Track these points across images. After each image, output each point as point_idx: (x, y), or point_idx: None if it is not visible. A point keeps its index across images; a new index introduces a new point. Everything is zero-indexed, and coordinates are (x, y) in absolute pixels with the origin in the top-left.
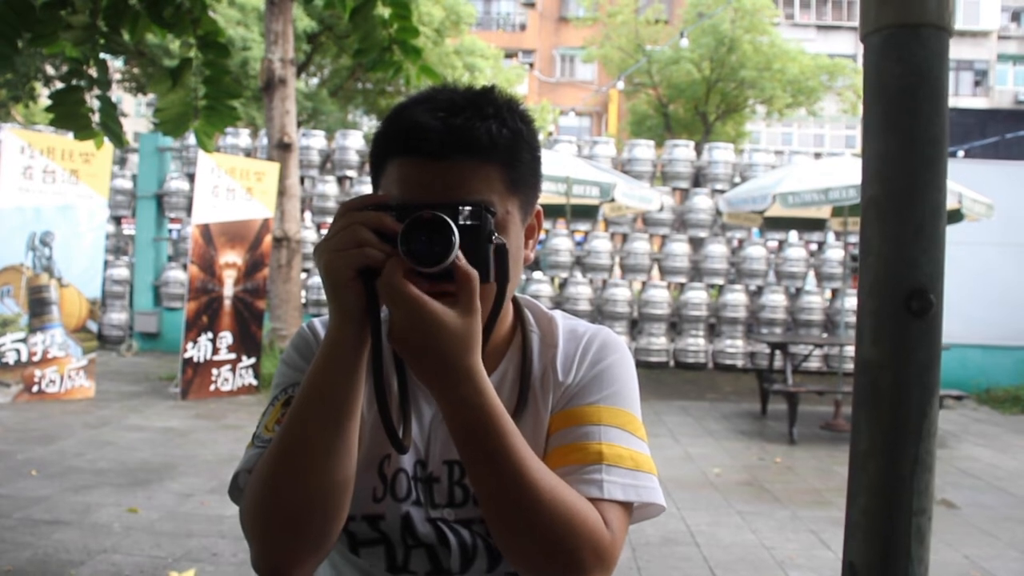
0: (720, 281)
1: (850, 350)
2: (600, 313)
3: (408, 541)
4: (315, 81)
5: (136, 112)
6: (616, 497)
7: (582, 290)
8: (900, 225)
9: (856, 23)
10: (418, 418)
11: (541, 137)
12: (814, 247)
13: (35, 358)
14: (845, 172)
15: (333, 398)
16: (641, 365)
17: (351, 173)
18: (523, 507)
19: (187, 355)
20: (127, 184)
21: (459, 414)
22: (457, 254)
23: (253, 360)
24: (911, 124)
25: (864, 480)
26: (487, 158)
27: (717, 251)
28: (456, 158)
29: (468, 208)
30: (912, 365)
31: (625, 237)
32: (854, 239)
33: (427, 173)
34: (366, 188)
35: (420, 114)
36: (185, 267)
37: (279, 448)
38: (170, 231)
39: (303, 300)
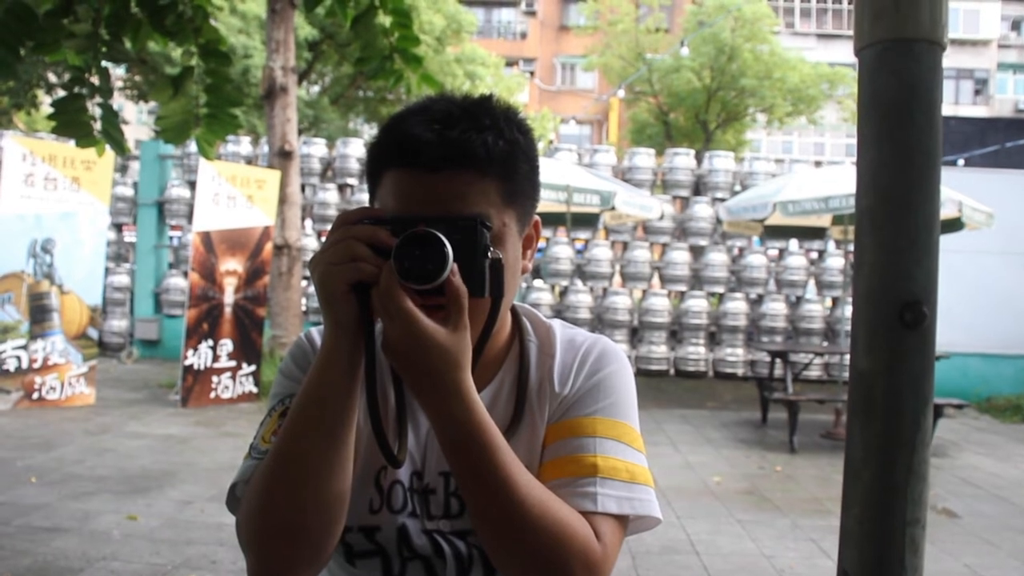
0: (720, 289)
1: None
2: (600, 321)
3: (404, 553)
4: (316, 89)
5: (137, 119)
6: (610, 510)
7: (582, 298)
8: (894, 236)
9: None
10: (415, 429)
11: (541, 146)
12: (814, 255)
13: (35, 365)
14: (845, 181)
15: (329, 410)
16: (641, 373)
17: (352, 181)
18: (512, 522)
19: (187, 362)
20: (128, 191)
21: (447, 430)
22: (450, 271)
23: (253, 368)
24: (905, 137)
25: (858, 489)
26: (483, 171)
27: (717, 259)
28: (452, 171)
29: (463, 222)
30: (906, 376)
31: (625, 245)
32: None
33: (423, 186)
34: (367, 196)
35: (416, 126)
36: (186, 274)
37: (275, 460)
38: (171, 238)
39: (304, 308)
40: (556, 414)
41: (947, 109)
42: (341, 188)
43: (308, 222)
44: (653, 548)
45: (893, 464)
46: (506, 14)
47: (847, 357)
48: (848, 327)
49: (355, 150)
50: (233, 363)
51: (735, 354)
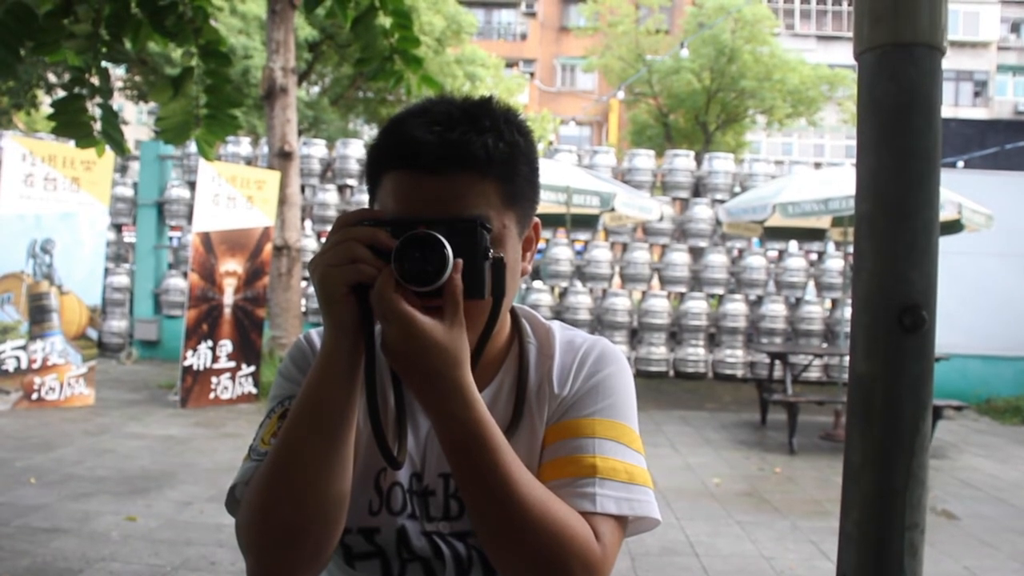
0: (720, 291)
1: None
2: (600, 323)
3: (403, 555)
4: (316, 90)
5: (137, 120)
6: (609, 511)
7: (582, 300)
8: (893, 241)
9: None
10: (414, 431)
11: (541, 147)
12: (814, 257)
13: (35, 365)
14: (845, 182)
15: (328, 412)
16: (641, 375)
17: (352, 182)
18: (511, 521)
19: (187, 363)
20: (128, 192)
21: (447, 428)
22: (449, 272)
23: (253, 368)
24: (904, 141)
25: (857, 494)
26: (483, 173)
27: (717, 261)
28: (452, 173)
29: (463, 224)
30: (905, 380)
31: (625, 247)
32: None
33: (423, 188)
34: (366, 197)
35: (416, 127)
36: (185, 275)
37: (275, 462)
38: (171, 239)
39: (303, 309)
40: (555, 415)
41: (947, 111)
42: (341, 189)
43: (308, 223)
44: (652, 549)
45: (892, 468)
46: (506, 15)
47: (846, 359)
48: (847, 329)
49: (355, 151)
50: (232, 364)
51: (735, 355)
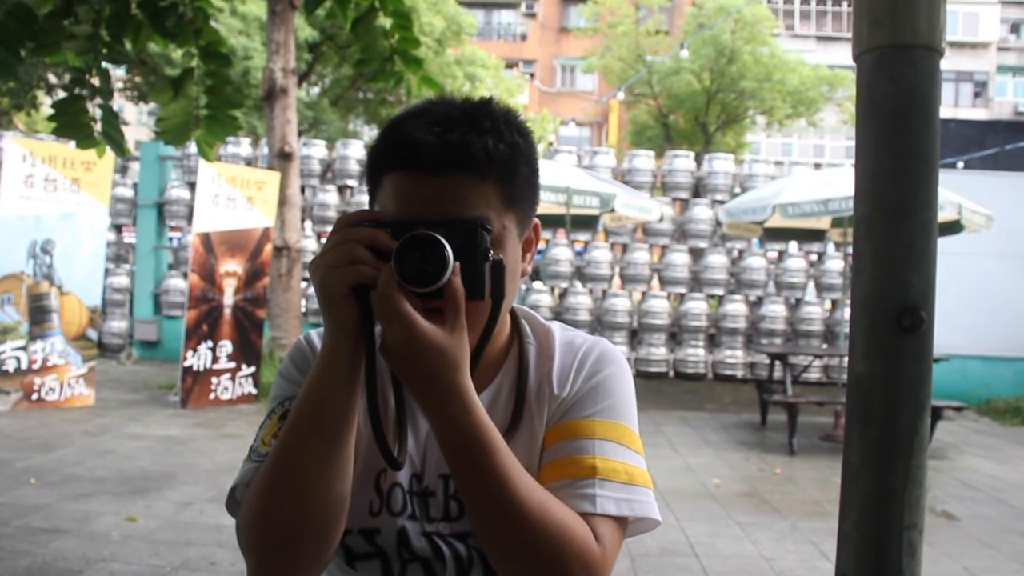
0: (720, 291)
1: None
2: (600, 323)
3: (404, 555)
4: (316, 90)
5: (138, 121)
6: (609, 512)
7: (582, 300)
8: (892, 243)
9: None
10: (414, 432)
11: (541, 147)
12: (814, 258)
13: (35, 366)
14: (844, 183)
15: (329, 413)
16: (641, 375)
17: (352, 182)
18: (511, 524)
19: (187, 364)
20: (128, 192)
21: (446, 431)
22: (450, 273)
23: (253, 369)
24: (903, 143)
25: (856, 494)
26: (484, 174)
27: (717, 261)
28: (452, 174)
29: (463, 225)
30: (904, 380)
31: (625, 247)
32: None
33: (423, 189)
34: (366, 198)
35: (416, 128)
36: (185, 276)
37: (275, 463)
38: (171, 239)
39: (303, 309)
40: (555, 416)
41: (946, 112)
42: (341, 190)
43: (308, 224)
44: (652, 550)
45: (891, 469)
46: (506, 16)
47: (846, 359)
48: (847, 329)
49: (355, 152)
50: (232, 364)
51: (734, 356)
